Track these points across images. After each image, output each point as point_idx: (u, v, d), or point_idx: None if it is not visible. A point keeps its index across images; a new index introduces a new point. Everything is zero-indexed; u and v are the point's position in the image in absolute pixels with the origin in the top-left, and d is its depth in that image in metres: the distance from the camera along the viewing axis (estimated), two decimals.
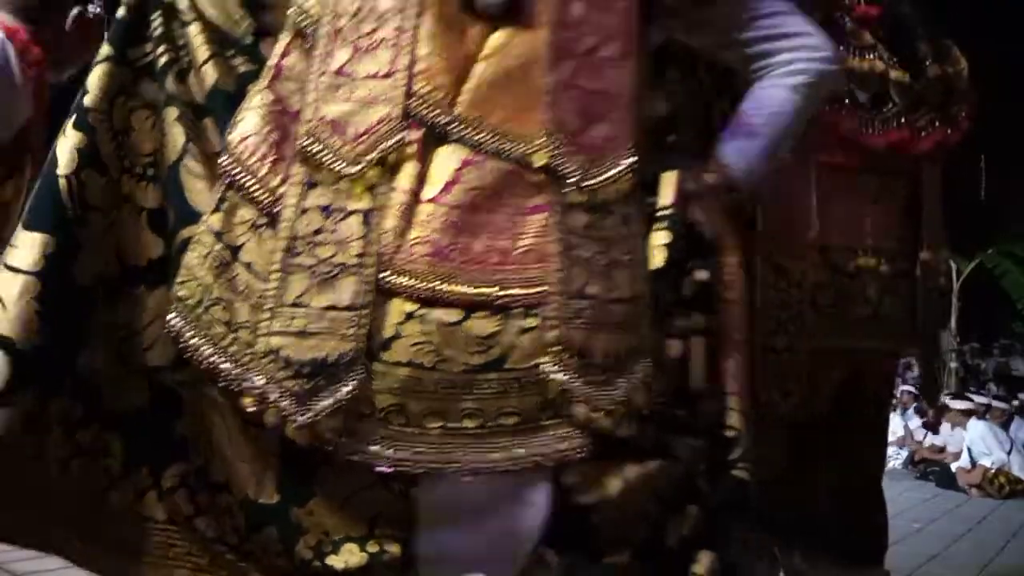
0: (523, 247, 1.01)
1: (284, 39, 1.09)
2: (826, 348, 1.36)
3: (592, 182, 1.05)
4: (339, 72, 1.04)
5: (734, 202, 1.24)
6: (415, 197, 1.01)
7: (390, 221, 1.00)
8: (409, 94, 1.03)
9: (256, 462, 1.02)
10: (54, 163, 1.05)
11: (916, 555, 3.87)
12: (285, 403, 0.97)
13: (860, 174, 1.40)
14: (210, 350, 1.01)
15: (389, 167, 1.01)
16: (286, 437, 0.98)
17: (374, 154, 1.01)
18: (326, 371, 0.96)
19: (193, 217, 1.06)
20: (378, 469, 0.98)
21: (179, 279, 1.03)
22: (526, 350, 1.00)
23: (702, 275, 1.12)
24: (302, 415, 0.96)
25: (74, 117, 1.08)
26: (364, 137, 1.02)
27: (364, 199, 1.00)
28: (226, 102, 1.09)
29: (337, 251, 0.98)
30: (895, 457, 7.47)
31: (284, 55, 1.08)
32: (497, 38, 1.07)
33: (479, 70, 1.06)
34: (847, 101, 1.36)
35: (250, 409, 1.00)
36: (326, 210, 0.99)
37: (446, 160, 1.03)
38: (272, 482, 1.02)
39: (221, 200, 1.04)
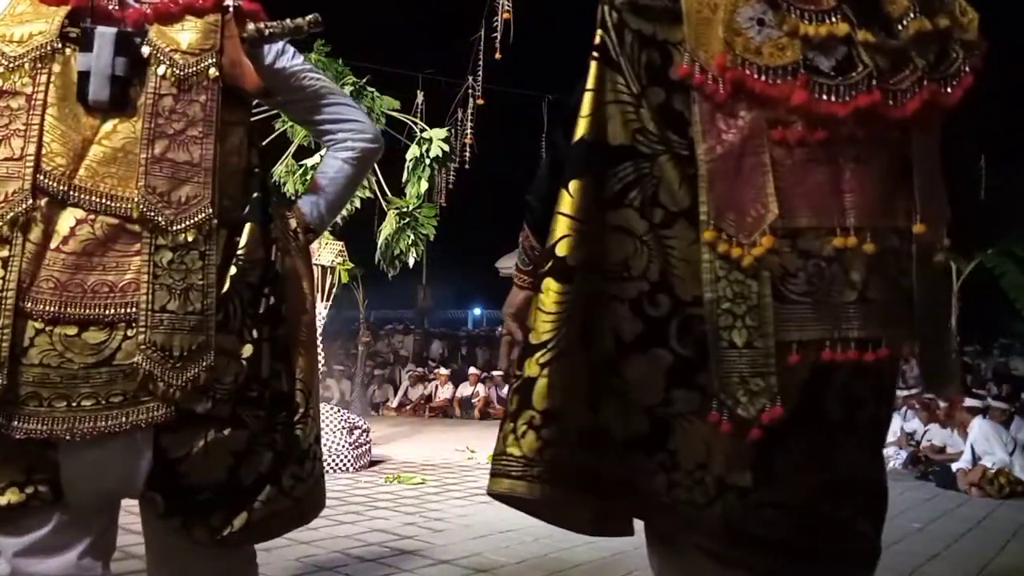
0: (125, 280, 1.43)
1: None
2: (801, 340, 1.23)
3: (177, 228, 1.45)
4: None
5: (308, 241, 1.70)
6: (43, 247, 1.40)
7: (25, 264, 1.38)
8: (37, 171, 1.40)
9: None
10: None
11: (916, 555, 3.87)
12: None
13: (829, 147, 1.25)
14: None
15: (21, 225, 1.38)
16: None
17: (10, 216, 1.38)
18: None
19: None
20: (16, 436, 1.38)
21: None
22: (127, 351, 1.41)
23: (271, 300, 1.56)
24: None
25: None
26: (2, 204, 1.38)
27: (3, 249, 1.38)
28: None
29: None
30: (895, 457, 7.46)
31: None
32: (106, 126, 1.45)
33: (92, 151, 1.44)
34: (802, 71, 1.24)
35: None
36: None
37: (66, 220, 1.41)
38: None
39: None
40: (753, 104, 1.26)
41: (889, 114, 1.26)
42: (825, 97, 1.25)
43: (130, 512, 1.60)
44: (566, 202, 1.26)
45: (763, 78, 1.25)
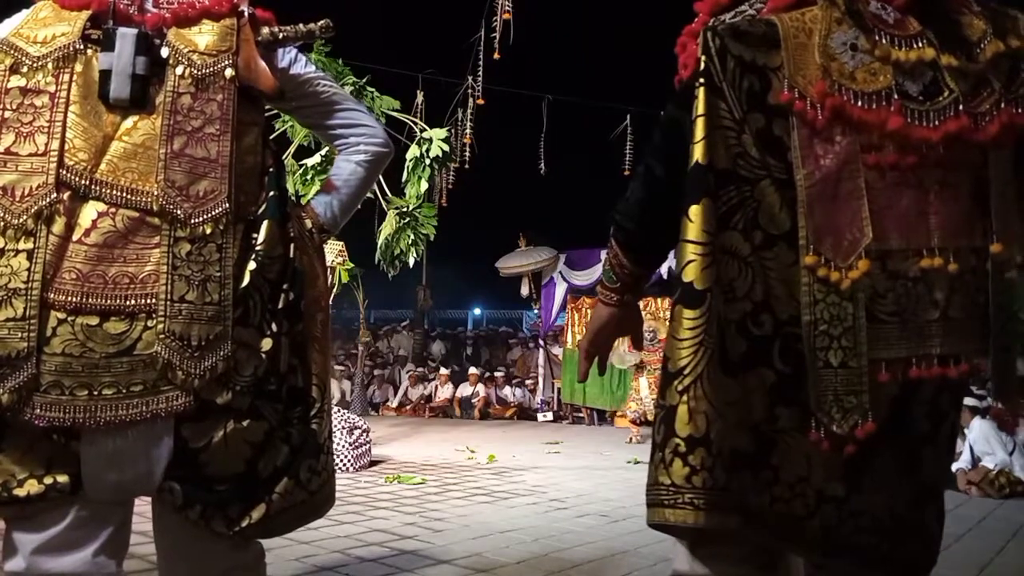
0: (146, 271, 1.47)
1: None
2: (889, 359, 1.27)
3: (195, 222, 1.49)
4: (7, 151, 1.46)
5: (322, 240, 1.75)
6: (66, 240, 1.44)
7: (48, 256, 1.42)
8: (60, 166, 1.45)
9: None
10: None
11: None
12: None
13: (918, 170, 1.28)
14: None
15: (45, 219, 1.43)
16: None
17: (34, 209, 1.43)
18: (10, 363, 1.40)
19: None
20: (39, 424, 1.41)
21: None
22: (147, 341, 1.46)
23: (290, 295, 1.59)
24: None
25: None
26: (27, 198, 1.43)
27: (28, 242, 1.43)
28: None
29: (10, 279, 1.41)
30: None
31: None
32: (127, 123, 1.50)
33: (113, 147, 1.49)
34: (895, 97, 1.27)
35: None
36: (1, 251, 1.43)
37: (88, 213, 1.46)
38: None
39: None
40: (848, 129, 1.28)
41: (973, 137, 1.29)
42: (917, 122, 1.28)
43: (134, 511, 1.60)
44: (689, 228, 1.25)
45: (859, 104, 1.28)
